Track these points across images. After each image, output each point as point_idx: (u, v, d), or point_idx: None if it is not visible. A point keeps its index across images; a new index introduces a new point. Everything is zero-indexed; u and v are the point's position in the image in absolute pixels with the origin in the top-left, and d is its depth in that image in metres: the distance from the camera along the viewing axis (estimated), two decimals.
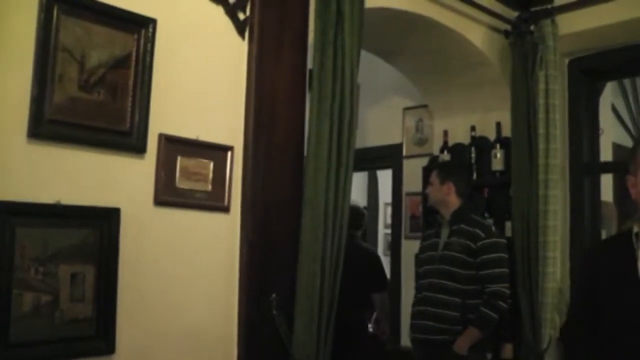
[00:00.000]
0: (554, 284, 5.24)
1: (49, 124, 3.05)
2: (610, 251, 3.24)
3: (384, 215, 11.24)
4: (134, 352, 3.36)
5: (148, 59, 3.37)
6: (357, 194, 11.03)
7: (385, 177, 8.01)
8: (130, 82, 3.31)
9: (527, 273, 5.23)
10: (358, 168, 7.81)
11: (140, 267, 3.39)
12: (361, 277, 6.32)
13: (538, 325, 5.18)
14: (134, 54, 3.33)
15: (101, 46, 3.21)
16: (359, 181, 11.14)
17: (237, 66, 3.86)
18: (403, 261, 6.83)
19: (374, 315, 7.40)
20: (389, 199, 8.16)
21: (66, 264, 3.11)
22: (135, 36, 3.34)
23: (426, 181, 5.77)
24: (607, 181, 6.28)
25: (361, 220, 7.16)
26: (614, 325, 3.05)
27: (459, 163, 5.99)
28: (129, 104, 3.31)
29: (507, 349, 5.62)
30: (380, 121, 7.18)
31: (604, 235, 6.00)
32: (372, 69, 6.70)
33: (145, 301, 3.42)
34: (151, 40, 3.39)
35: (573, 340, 3.46)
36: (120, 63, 3.28)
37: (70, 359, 3.14)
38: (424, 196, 5.90)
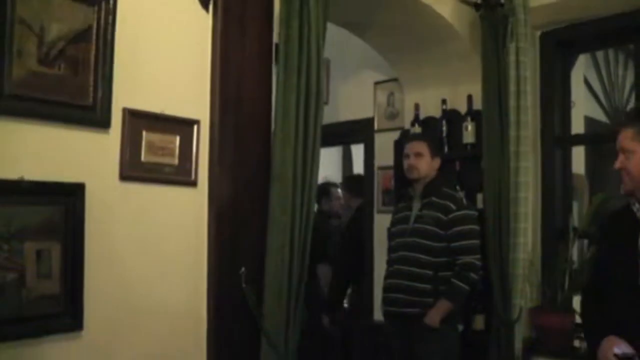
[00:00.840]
0: (525, 255, 5.25)
1: (10, 99, 3.00)
2: (617, 221, 3.56)
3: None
4: (103, 327, 3.35)
5: (109, 32, 3.32)
6: (332, 169, 11.04)
7: (359, 152, 7.99)
8: (92, 56, 3.26)
9: (498, 244, 5.24)
10: (330, 143, 7.86)
11: (106, 242, 3.38)
12: None
13: (509, 296, 5.20)
14: (94, 27, 3.27)
15: (60, 19, 3.16)
16: (333, 156, 11.13)
17: (201, 39, 3.83)
18: (375, 235, 6.84)
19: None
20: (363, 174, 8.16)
21: (31, 240, 3.09)
22: (96, 8, 3.28)
23: (398, 154, 5.78)
24: (579, 153, 6.29)
25: None
26: (610, 284, 3.41)
27: None
28: (92, 78, 3.26)
29: (479, 321, 5.65)
30: (352, 96, 7.18)
31: (575, 207, 6.03)
32: (342, 44, 6.69)
33: (113, 277, 3.41)
34: (112, 12, 3.33)
35: (591, 310, 3.65)
36: (81, 36, 3.22)
37: (39, 337, 3.12)
38: (396, 170, 5.90)
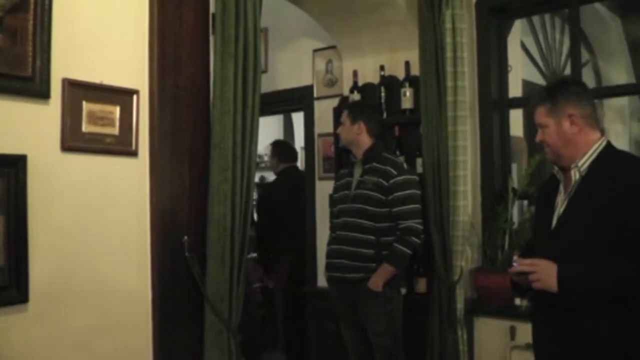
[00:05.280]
0: (465, 218, 5.35)
1: None
2: (545, 186, 3.80)
3: (301, 157, 11.25)
4: (49, 299, 3.35)
5: (47, 2, 3.29)
6: (274, 137, 11.04)
7: (300, 120, 8.01)
8: (30, 26, 3.23)
9: (439, 207, 5.32)
10: (270, 112, 7.86)
11: (50, 214, 3.37)
12: None
13: (450, 258, 5.30)
14: None
15: None
16: (274, 125, 11.14)
17: (139, 8, 3.83)
18: (318, 202, 6.89)
19: None
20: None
21: None
22: None
23: (337, 122, 5.82)
24: (517, 116, 6.38)
25: None
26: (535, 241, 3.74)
27: (369, 103, 6.04)
28: (30, 48, 3.23)
29: (421, 284, 5.74)
30: (291, 64, 7.17)
31: (514, 169, 6.14)
32: (280, 13, 6.70)
33: (57, 248, 3.41)
34: None
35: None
36: (18, 6, 3.18)
37: None
38: (336, 136, 5.95)
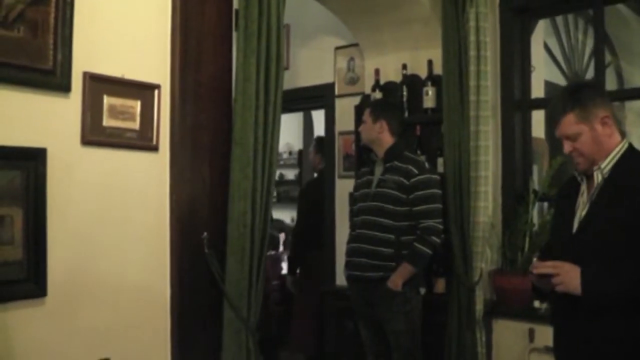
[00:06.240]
0: (486, 219, 5.31)
1: None
2: (565, 188, 3.72)
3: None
4: (67, 294, 3.34)
5: None
6: (293, 135, 11.04)
7: (320, 118, 8.00)
8: (52, 19, 3.21)
9: (459, 208, 5.30)
10: (291, 109, 7.84)
11: (69, 208, 3.36)
12: None
13: (469, 259, 5.26)
14: None
15: None
16: (293, 122, 11.11)
17: (161, 3, 3.81)
18: (337, 200, 6.88)
19: None
20: None
21: None
22: None
23: (358, 120, 5.82)
24: (539, 117, 6.33)
25: None
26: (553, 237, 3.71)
27: (391, 101, 6.00)
28: (51, 41, 3.22)
29: (440, 284, 5.72)
30: (312, 61, 7.17)
31: (535, 170, 6.09)
32: (302, 9, 6.68)
33: (75, 243, 3.40)
34: None
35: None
36: None
37: (2, 303, 3.09)
38: (357, 135, 5.93)
